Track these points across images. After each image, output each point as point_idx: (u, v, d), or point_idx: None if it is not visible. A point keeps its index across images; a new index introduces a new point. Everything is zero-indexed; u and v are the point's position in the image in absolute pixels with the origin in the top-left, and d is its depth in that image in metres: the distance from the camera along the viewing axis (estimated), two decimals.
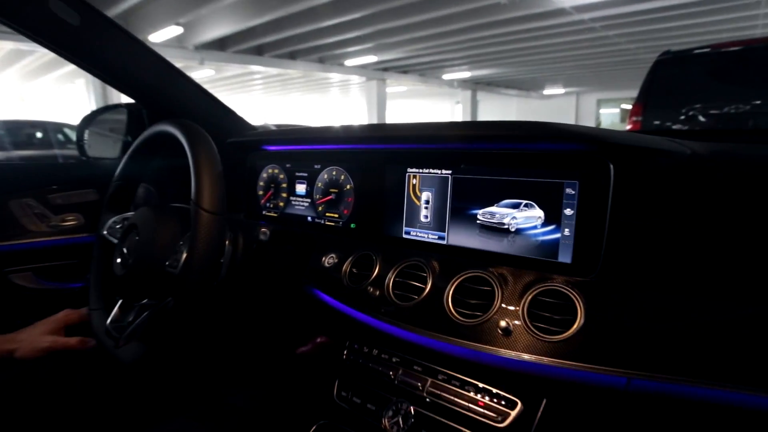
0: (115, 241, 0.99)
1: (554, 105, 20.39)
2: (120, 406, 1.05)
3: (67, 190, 1.30)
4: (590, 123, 18.86)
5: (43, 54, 10.90)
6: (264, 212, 1.19)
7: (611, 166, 0.68)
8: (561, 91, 19.12)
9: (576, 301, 0.67)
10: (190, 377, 1.19)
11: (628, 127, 3.93)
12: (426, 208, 0.89)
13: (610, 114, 19.59)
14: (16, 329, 1.15)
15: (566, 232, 0.72)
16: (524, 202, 0.77)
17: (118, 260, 0.93)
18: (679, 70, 3.57)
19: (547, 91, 19.56)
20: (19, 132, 8.79)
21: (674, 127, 3.53)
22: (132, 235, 0.93)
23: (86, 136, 1.47)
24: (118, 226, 1.06)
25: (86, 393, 1.01)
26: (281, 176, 1.15)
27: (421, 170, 0.89)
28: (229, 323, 1.26)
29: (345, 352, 0.98)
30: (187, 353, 1.20)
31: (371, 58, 11.80)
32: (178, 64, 1.20)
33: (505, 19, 8.17)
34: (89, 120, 1.50)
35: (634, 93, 3.85)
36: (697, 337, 0.59)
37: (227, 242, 1.02)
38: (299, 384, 1.06)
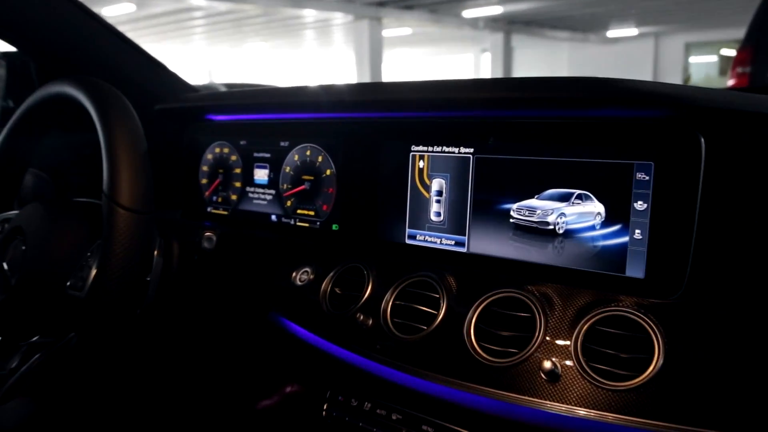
0: None
1: (623, 52, 20.41)
2: None
3: None
4: (675, 78, 18.87)
5: None
6: (210, 209, 1.19)
7: (702, 141, 0.69)
8: (633, 32, 19.16)
9: (652, 333, 0.68)
10: None
11: (731, 82, 3.94)
12: (438, 201, 0.90)
13: (705, 64, 19.64)
14: None
15: (637, 234, 0.73)
16: (577, 192, 0.78)
17: None
18: None
19: (612, 33, 19.59)
20: None
21: None
22: (16, 244, 0.93)
23: None
24: None
25: None
26: (233, 158, 1.16)
27: (431, 148, 0.90)
28: (159, 367, 1.26)
29: (325, 407, 0.98)
30: (97, 412, 1.20)
31: None
32: None
33: None
34: None
35: (739, 33, 3.86)
36: None
37: (156, 252, 1.02)
38: None
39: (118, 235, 0.77)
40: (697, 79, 19.27)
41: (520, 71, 21.05)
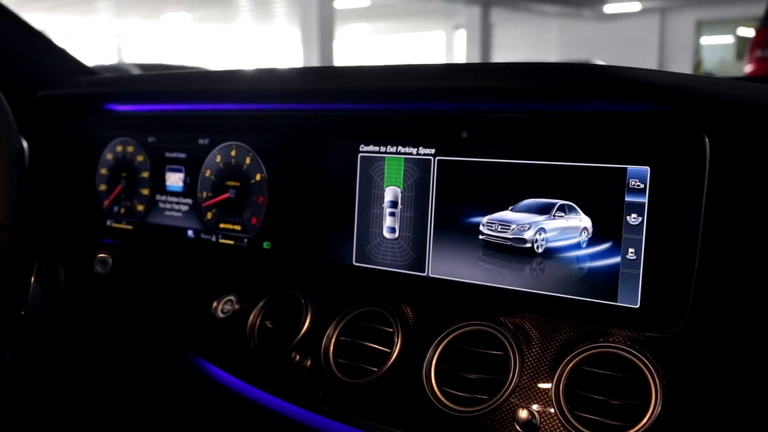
0: None
1: (623, 31, 20.85)
2: None
3: None
4: (684, 62, 19.37)
5: None
6: (110, 223, 1.18)
7: (707, 141, 0.70)
8: (635, 6, 19.60)
9: (648, 374, 0.69)
10: None
11: (749, 68, 4.06)
12: (392, 215, 0.90)
13: (719, 46, 20.19)
14: None
15: (630, 254, 0.74)
16: (559, 202, 0.78)
17: None
18: None
19: (611, 8, 20.00)
20: None
21: None
22: None
23: None
24: None
25: None
26: (140, 159, 1.15)
27: (384, 149, 0.90)
28: (36, 428, 1.24)
29: None
30: None
31: None
32: None
33: None
34: None
35: (759, 10, 3.97)
36: None
37: (33, 279, 1.00)
38: None
39: None
40: (710, 64, 19.79)
41: (500, 52, 21.36)
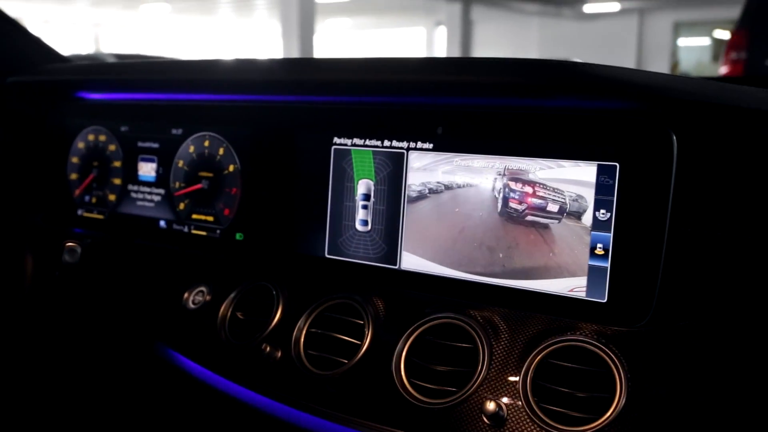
0: None
1: (602, 30, 20.98)
2: None
3: None
4: (662, 63, 19.53)
5: None
6: (81, 212, 1.17)
7: (674, 138, 0.71)
8: (614, 6, 19.74)
9: (614, 367, 0.70)
10: None
11: (724, 69, 4.11)
12: (365, 207, 0.91)
13: (696, 47, 20.36)
14: None
15: (599, 249, 0.75)
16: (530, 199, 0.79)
17: None
18: None
19: (590, 7, 20.14)
20: None
21: None
22: None
23: None
24: None
25: None
26: (112, 148, 1.14)
27: (357, 141, 0.91)
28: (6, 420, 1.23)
29: None
30: None
31: None
32: None
33: None
34: None
35: (734, 13, 4.02)
36: None
37: None
38: None
39: None
40: (687, 65, 19.96)
41: (481, 50, 21.41)
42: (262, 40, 25.18)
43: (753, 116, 0.73)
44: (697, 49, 20.40)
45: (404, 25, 25.19)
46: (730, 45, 4.10)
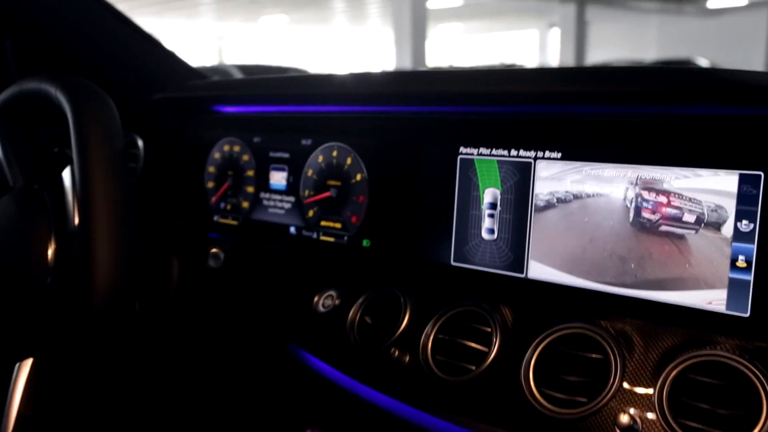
0: None
1: (728, 26, 20.10)
2: None
3: None
4: None
5: None
6: (216, 218, 1.22)
7: None
8: (742, 0, 18.87)
9: (759, 385, 0.67)
10: None
11: None
12: (491, 216, 0.90)
13: None
14: None
15: (741, 261, 0.72)
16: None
17: None
18: None
19: (714, 2, 19.33)
20: None
21: None
22: None
23: None
24: None
25: None
26: (245, 158, 1.18)
27: (482, 150, 0.90)
28: (153, 413, 1.30)
29: None
30: None
31: None
32: None
33: None
34: None
35: None
36: None
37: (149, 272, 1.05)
38: None
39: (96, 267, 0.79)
40: None
41: (596, 51, 20.94)
42: (375, 46, 25.49)
43: None
44: None
45: (516, 28, 24.97)
46: None
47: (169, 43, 1.35)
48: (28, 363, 0.85)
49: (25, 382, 0.84)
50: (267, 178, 1.16)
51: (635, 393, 0.73)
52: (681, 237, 0.76)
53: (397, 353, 0.90)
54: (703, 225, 0.74)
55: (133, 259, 0.81)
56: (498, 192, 0.89)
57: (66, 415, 0.82)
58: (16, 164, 1.03)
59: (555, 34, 19.58)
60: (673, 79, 0.71)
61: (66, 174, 0.94)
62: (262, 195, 1.16)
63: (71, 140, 0.84)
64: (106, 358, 0.85)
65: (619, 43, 21.56)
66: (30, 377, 0.84)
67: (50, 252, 0.90)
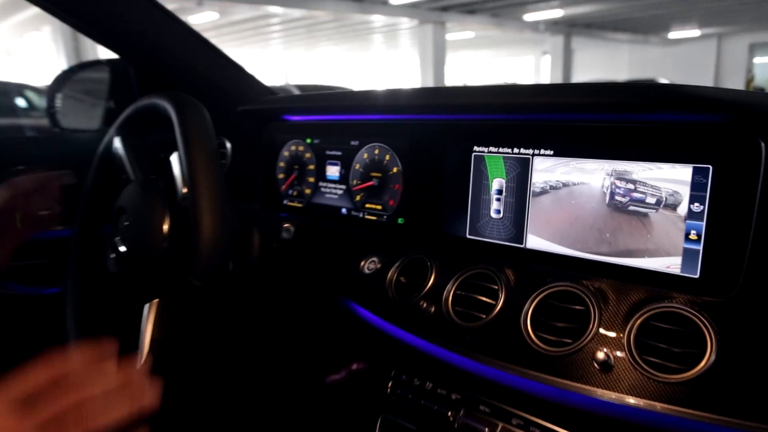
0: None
1: (684, 54, 19.63)
2: None
3: (38, 170, 1.38)
4: (738, 79, 18.02)
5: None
6: (286, 202, 1.24)
7: (763, 146, 0.67)
8: (695, 33, 18.39)
9: (705, 330, 0.67)
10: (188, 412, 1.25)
11: None
12: (498, 200, 0.91)
13: None
14: None
15: (692, 235, 0.72)
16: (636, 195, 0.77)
17: (112, 255, 1.00)
18: None
19: (674, 34, 18.85)
20: None
21: None
22: (121, 221, 1.00)
23: (58, 102, 1.57)
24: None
25: None
26: (308, 155, 1.20)
27: (491, 149, 0.91)
28: (239, 346, 1.32)
29: (390, 385, 1.01)
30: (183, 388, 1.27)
31: None
32: (170, 6, 1.25)
33: None
34: (62, 81, 1.59)
35: None
36: None
37: (236, 241, 1.07)
38: (330, 425, 1.11)
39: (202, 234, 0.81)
40: (761, 79, 18.29)
41: (579, 73, 20.56)
42: (405, 68, 25.28)
43: None
44: None
45: (516, 55, 24.56)
46: None
47: (248, 67, 1.37)
48: (155, 303, 0.87)
49: (154, 316, 0.87)
50: (324, 171, 1.17)
51: (609, 336, 0.73)
52: (645, 215, 0.76)
53: (424, 305, 0.90)
54: (662, 206, 0.75)
55: (227, 228, 0.83)
56: (503, 181, 0.90)
57: (185, 337, 0.85)
58: (137, 163, 1.06)
59: (547, 60, 19.21)
60: (638, 92, 0.71)
61: (175, 165, 0.95)
62: (321, 184, 1.18)
63: (177, 140, 0.86)
64: (210, 302, 0.87)
65: (598, 66, 21.15)
66: (156, 312, 0.87)
67: (165, 225, 0.93)
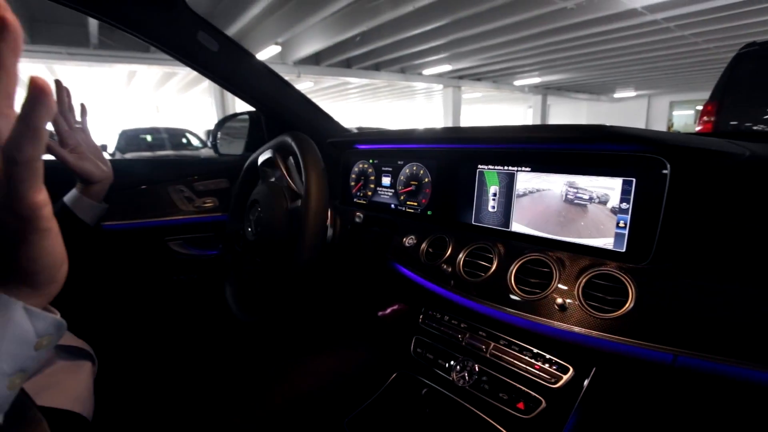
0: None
1: (625, 108, 18.73)
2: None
3: (206, 179, 1.43)
4: (661, 125, 17.11)
5: (187, 74, 11.61)
6: (355, 200, 1.25)
7: (668, 165, 0.67)
8: (632, 93, 17.51)
9: (628, 285, 0.67)
10: (287, 333, 1.27)
11: (698, 128, 3.55)
12: (493, 199, 0.91)
13: (684, 116, 17.58)
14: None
15: (621, 223, 0.72)
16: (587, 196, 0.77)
17: (249, 229, 1.02)
18: (766, 62, 3.03)
19: (618, 95, 18.01)
20: (154, 136, 9.66)
21: (756, 127, 3.08)
22: (254, 210, 1.01)
23: (219, 137, 1.64)
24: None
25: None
26: (370, 170, 1.20)
27: (489, 167, 0.91)
28: (326, 290, 1.35)
29: (420, 317, 1.02)
30: (291, 313, 1.30)
31: (446, 67, 11.61)
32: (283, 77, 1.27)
33: (574, 23, 7.60)
34: (220, 125, 1.66)
35: (708, 95, 3.46)
36: (741, 323, 0.57)
37: (329, 224, 1.08)
38: (382, 341, 1.12)
39: (310, 220, 0.82)
40: (678, 126, 17.34)
41: (553, 120, 19.89)
42: (435, 114, 24.92)
43: (715, 154, 0.67)
44: (684, 117, 17.62)
45: (509, 107, 23.95)
46: (703, 112, 3.49)
47: (334, 115, 1.39)
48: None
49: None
50: (380, 180, 1.17)
51: (564, 289, 0.73)
52: (588, 209, 0.76)
53: (444, 266, 0.90)
54: (600, 203, 0.74)
55: (324, 214, 0.83)
56: (497, 187, 0.90)
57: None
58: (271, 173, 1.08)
59: (530, 112, 18.68)
60: (588, 131, 0.71)
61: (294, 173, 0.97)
62: (378, 189, 1.18)
63: (300, 163, 0.87)
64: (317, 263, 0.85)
65: (566, 116, 20.44)
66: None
67: (285, 216, 0.95)
